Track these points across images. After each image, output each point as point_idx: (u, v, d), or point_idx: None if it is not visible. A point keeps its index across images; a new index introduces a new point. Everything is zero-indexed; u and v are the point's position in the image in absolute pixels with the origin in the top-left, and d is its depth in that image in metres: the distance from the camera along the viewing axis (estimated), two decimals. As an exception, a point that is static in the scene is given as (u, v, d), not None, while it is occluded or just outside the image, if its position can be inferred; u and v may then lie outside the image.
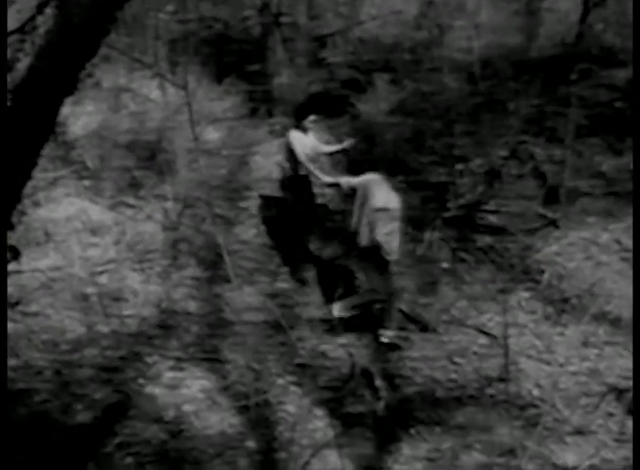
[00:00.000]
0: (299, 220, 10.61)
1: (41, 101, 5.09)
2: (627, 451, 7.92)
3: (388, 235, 9.39)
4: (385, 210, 9.42)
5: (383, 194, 9.50)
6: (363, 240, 9.49)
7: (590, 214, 10.36)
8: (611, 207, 10.31)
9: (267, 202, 11.07)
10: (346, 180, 9.82)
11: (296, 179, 10.46)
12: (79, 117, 11.67)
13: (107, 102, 12.06)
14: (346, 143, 10.79)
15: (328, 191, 10.83)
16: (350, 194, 9.80)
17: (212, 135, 11.82)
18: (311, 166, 10.21)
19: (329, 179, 10.14)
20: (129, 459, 8.15)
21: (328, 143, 11.11)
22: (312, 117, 10.49)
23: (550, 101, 11.28)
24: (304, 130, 10.44)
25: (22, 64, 5.29)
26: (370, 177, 9.68)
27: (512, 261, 10.15)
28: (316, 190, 10.75)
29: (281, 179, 10.86)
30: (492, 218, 10.66)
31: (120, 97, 12.18)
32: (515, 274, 9.95)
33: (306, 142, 10.41)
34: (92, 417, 8.62)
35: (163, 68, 12.43)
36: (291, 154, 10.35)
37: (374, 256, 9.44)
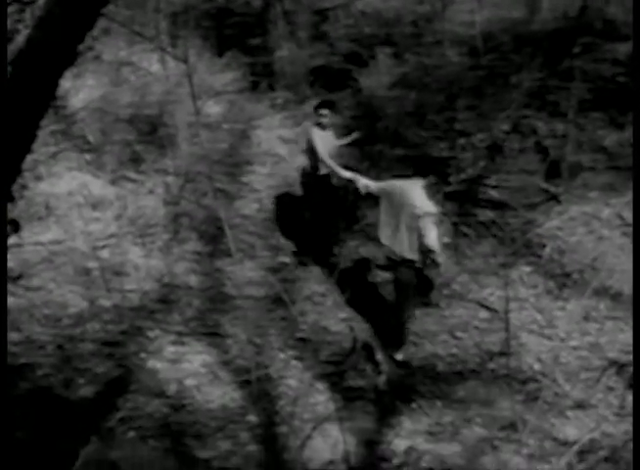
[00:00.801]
0: (324, 221, 10.44)
1: (40, 72, 5.05)
2: (628, 425, 7.94)
3: (437, 240, 8.87)
4: (430, 214, 8.83)
5: (421, 198, 8.87)
6: (406, 250, 8.86)
7: (592, 189, 10.33)
8: (613, 181, 10.28)
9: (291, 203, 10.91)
10: (365, 183, 9.41)
11: (317, 179, 10.26)
12: (80, 90, 11.64)
13: (107, 75, 12.02)
14: (354, 135, 10.68)
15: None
16: (364, 196, 9.63)
17: (213, 109, 11.80)
18: (332, 163, 9.95)
19: (348, 174, 9.80)
20: (131, 433, 8.18)
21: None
22: (324, 112, 10.15)
23: (552, 75, 11.22)
24: (323, 127, 10.14)
25: (22, 35, 5.25)
26: (397, 183, 9.20)
27: (513, 236, 10.14)
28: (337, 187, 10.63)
29: (302, 180, 10.73)
30: (494, 193, 10.63)
31: (121, 70, 12.13)
32: (516, 249, 9.94)
33: (327, 139, 10.17)
34: (94, 391, 8.65)
35: (164, 41, 12.38)
36: (312, 152, 10.10)
37: (412, 268, 8.97)
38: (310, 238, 10.41)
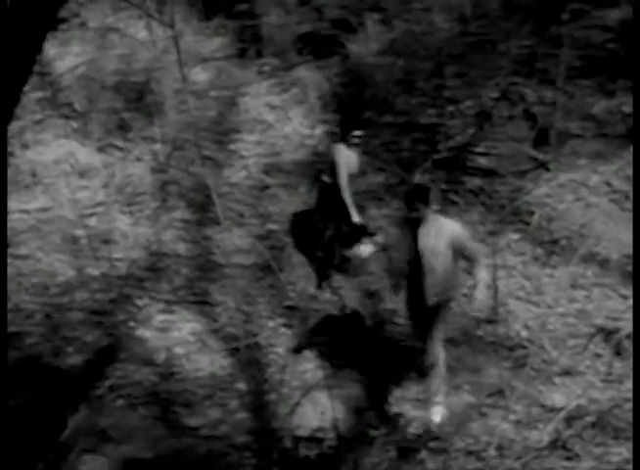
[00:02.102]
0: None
1: (23, 35, 4.99)
2: (614, 392, 7.99)
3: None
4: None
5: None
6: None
7: (580, 156, 10.33)
8: (601, 149, 10.28)
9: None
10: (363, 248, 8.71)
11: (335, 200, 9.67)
12: (66, 57, 11.55)
13: (93, 42, 11.93)
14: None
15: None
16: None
17: (201, 76, 11.72)
18: (349, 200, 9.46)
19: (356, 220, 9.48)
20: (120, 401, 8.19)
21: None
22: (358, 132, 9.51)
23: (541, 42, 11.19)
24: (351, 145, 9.53)
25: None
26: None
27: (501, 203, 10.14)
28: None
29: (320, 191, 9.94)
30: (482, 160, 10.63)
31: (107, 37, 12.04)
32: (504, 216, 9.94)
33: (352, 160, 9.59)
34: (83, 360, 8.65)
35: (150, 7, 12.26)
36: (333, 172, 9.57)
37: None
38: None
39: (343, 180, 9.45)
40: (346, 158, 9.51)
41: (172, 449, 7.70)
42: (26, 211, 10.08)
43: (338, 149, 9.54)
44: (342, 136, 9.56)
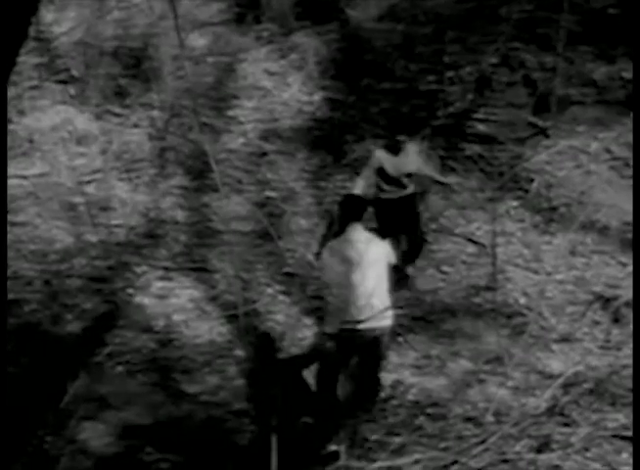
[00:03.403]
0: None
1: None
2: (612, 359, 8.01)
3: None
4: None
5: None
6: None
7: (580, 123, 10.30)
8: (601, 115, 10.24)
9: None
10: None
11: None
12: (63, 23, 11.48)
13: (90, 8, 11.84)
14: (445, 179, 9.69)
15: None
16: None
17: (198, 42, 11.64)
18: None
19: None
20: (119, 368, 8.22)
21: None
22: (402, 137, 8.88)
23: (542, 7, 11.11)
24: (396, 151, 8.84)
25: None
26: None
27: (501, 170, 10.12)
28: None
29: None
30: (482, 127, 10.60)
31: (104, 3, 11.95)
32: (503, 183, 9.92)
33: (398, 164, 8.89)
34: (82, 327, 8.67)
35: (148, -28, 12.19)
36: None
37: None
38: None
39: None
40: (392, 166, 8.81)
41: (171, 416, 7.73)
42: (24, 178, 10.06)
43: (380, 157, 8.85)
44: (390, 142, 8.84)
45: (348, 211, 7.30)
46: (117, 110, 10.86)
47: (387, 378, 8.03)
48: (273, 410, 7.11)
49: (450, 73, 11.08)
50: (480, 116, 10.64)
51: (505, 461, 6.86)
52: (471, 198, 9.98)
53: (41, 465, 7.33)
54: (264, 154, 10.64)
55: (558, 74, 10.55)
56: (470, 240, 9.58)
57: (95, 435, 7.63)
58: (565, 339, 8.32)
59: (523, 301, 8.81)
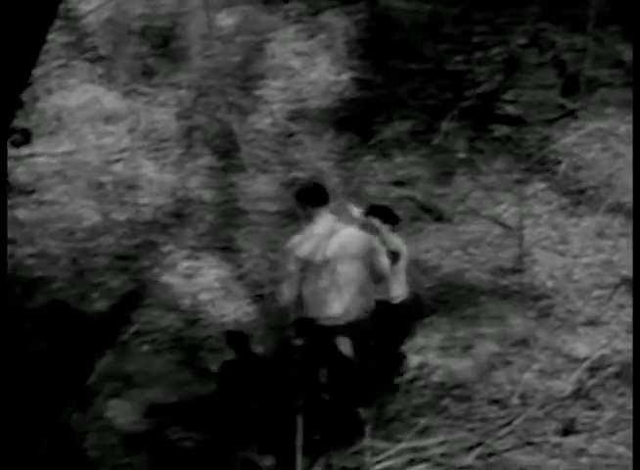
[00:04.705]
0: None
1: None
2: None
3: None
4: None
5: None
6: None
7: (609, 105, 10.22)
8: (630, 97, 10.15)
9: None
10: None
11: None
12: (91, 2, 11.48)
13: (119, -14, 11.86)
14: None
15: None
16: None
17: (226, 21, 11.61)
18: None
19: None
20: (146, 347, 8.26)
21: None
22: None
23: (572, -14, 11.04)
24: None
25: None
26: None
27: (529, 152, 10.08)
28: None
29: None
30: (510, 108, 10.54)
31: (133, -19, 11.96)
32: (531, 165, 9.89)
33: None
34: (109, 305, 8.72)
35: (176, -50, 12.17)
36: None
37: None
38: None
39: None
40: None
41: (196, 395, 7.77)
42: (52, 156, 10.10)
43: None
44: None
45: (312, 202, 6.87)
46: (145, 89, 10.87)
47: (412, 359, 8.04)
48: (298, 389, 7.12)
49: (479, 54, 11.01)
50: (508, 97, 10.58)
51: (530, 444, 6.84)
52: (498, 179, 9.94)
53: (68, 442, 7.39)
54: (291, 134, 10.63)
55: (587, 55, 10.47)
56: (497, 222, 9.54)
57: (121, 412, 7.68)
58: (591, 322, 8.28)
59: (549, 283, 8.77)
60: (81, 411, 7.57)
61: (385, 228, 7.55)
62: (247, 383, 7.73)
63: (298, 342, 7.02)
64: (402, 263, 7.65)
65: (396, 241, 7.59)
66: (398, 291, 7.64)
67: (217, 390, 7.77)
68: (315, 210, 6.81)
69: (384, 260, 6.93)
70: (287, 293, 6.76)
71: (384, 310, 7.21)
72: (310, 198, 6.87)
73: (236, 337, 8.40)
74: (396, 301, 7.63)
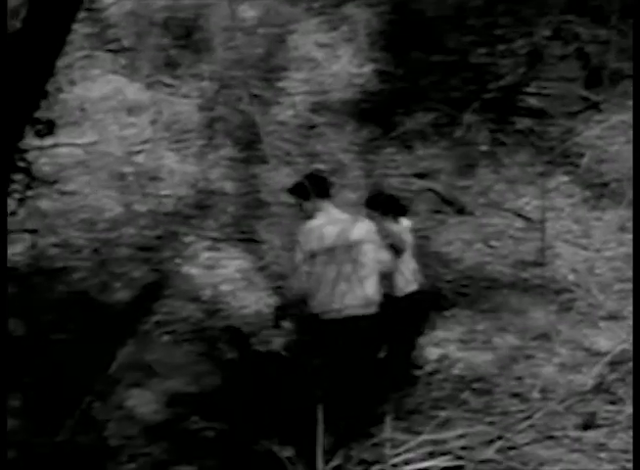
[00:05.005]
0: None
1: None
2: (661, 338, 7.95)
3: None
4: None
5: None
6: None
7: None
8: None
9: None
10: None
11: None
12: (114, -7, 11.53)
13: (141, -23, 11.88)
14: None
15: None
16: None
17: (249, 13, 11.61)
18: None
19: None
20: (166, 337, 8.29)
21: None
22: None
23: (596, -22, 10.98)
24: None
25: None
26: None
27: (551, 145, 10.04)
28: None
29: None
30: (533, 100, 10.50)
31: (155, -27, 11.97)
32: (554, 157, 9.85)
33: None
34: (130, 296, 8.75)
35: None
36: None
37: None
38: None
39: None
40: None
41: (217, 385, 7.79)
42: (74, 147, 10.13)
43: None
44: None
45: (312, 192, 6.86)
46: (168, 80, 10.88)
47: (432, 352, 8.04)
48: (319, 381, 7.13)
49: (502, 46, 10.97)
50: (531, 89, 10.55)
51: (550, 438, 6.83)
52: (521, 172, 9.91)
53: (88, 430, 7.44)
54: (313, 126, 10.63)
55: (611, 48, 10.42)
56: (519, 215, 9.52)
57: (142, 402, 7.72)
58: (612, 316, 8.26)
59: (571, 277, 8.75)
60: (102, 400, 7.61)
61: (387, 219, 7.53)
62: (267, 374, 7.75)
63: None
64: (407, 256, 7.61)
65: (400, 232, 7.55)
66: (403, 284, 7.55)
67: (237, 380, 7.79)
68: (317, 202, 6.84)
69: (382, 255, 6.96)
70: (296, 286, 6.81)
71: (389, 304, 7.20)
72: (310, 190, 6.85)
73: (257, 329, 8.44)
74: (401, 294, 7.56)
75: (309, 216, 6.90)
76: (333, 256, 6.66)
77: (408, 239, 7.59)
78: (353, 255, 6.71)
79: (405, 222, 7.72)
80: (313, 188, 6.90)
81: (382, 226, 7.29)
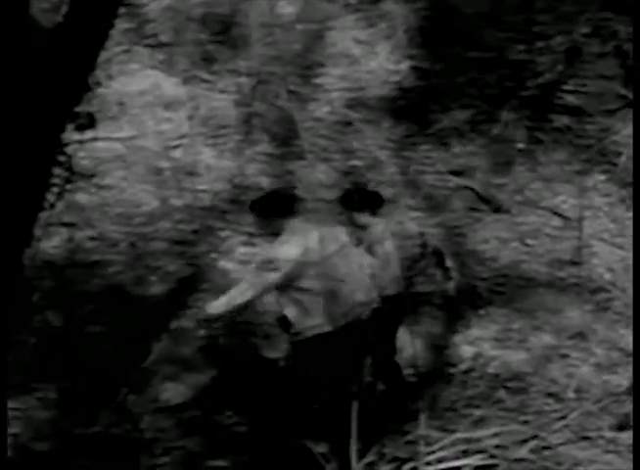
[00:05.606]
0: None
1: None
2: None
3: None
4: None
5: None
6: None
7: (672, 96, 10.10)
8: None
9: None
10: None
11: None
12: (152, -12, 11.58)
13: (179, -27, 11.92)
14: None
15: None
16: None
17: (287, 9, 11.60)
18: None
19: None
20: (202, 332, 8.32)
21: None
22: None
23: (636, -24, 10.88)
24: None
25: None
26: None
27: (589, 143, 9.98)
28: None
29: None
30: (571, 98, 10.43)
31: (194, -32, 12.01)
32: (591, 156, 9.80)
33: None
34: (165, 290, 8.80)
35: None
36: None
37: None
38: None
39: None
40: None
41: (250, 380, 7.82)
42: (112, 141, 10.19)
43: None
44: None
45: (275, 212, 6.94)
46: (205, 75, 10.91)
47: (467, 350, 8.03)
48: (354, 377, 7.15)
49: (540, 43, 10.90)
50: (569, 87, 10.48)
51: (585, 438, 6.82)
52: (558, 170, 9.86)
53: (123, 423, 7.50)
54: (350, 122, 10.62)
55: (651, 46, 10.34)
56: (555, 213, 9.47)
57: (176, 395, 7.78)
58: (649, 316, 8.21)
59: (607, 276, 8.70)
60: (137, 393, 7.67)
61: (363, 215, 7.48)
62: (300, 369, 7.76)
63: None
64: (390, 254, 7.53)
65: (378, 230, 7.48)
66: (386, 284, 7.44)
67: (272, 375, 7.81)
68: (280, 221, 6.93)
69: (358, 262, 7.05)
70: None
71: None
72: (272, 208, 6.96)
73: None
74: (381, 296, 7.36)
75: (276, 234, 6.96)
76: (310, 273, 6.74)
77: (388, 236, 7.49)
78: (330, 268, 6.79)
79: (381, 226, 7.57)
80: (279, 206, 7.01)
81: (356, 230, 7.28)
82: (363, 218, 7.45)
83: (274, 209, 6.95)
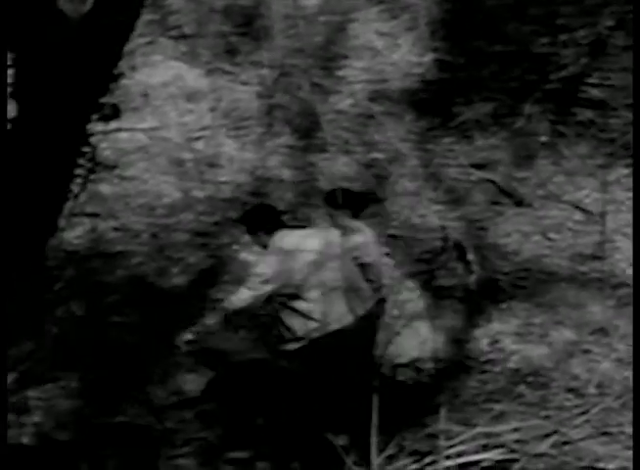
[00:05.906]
0: None
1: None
2: None
3: None
4: None
5: None
6: None
7: (697, 90, 10.03)
8: None
9: None
10: None
11: None
12: (176, -20, 11.60)
13: (203, -35, 11.93)
14: None
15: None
16: None
17: (310, 1, 11.59)
18: None
19: None
20: (222, 323, 8.32)
21: None
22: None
23: (662, -32, 10.80)
24: None
25: None
26: None
27: (613, 137, 9.92)
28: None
29: None
30: (595, 91, 10.38)
31: (217, -40, 12.02)
32: (615, 150, 9.74)
33: None
34: (187, 281, 8.83)
35: None
36: None
37: None
38: None
39: None
40: None
41: (270, 372, 7.83)
42: (135, 132, 10.22)
43: None
44: None
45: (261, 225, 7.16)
46: (227, 67, 10.92)
47: (487, 344, 8.02)
48: (375, 370, 7.16)
49: (564, 36, 10.85)
50: (593, 80, 10.42)
51: (606, 434, 6.80)
52: (581, 164, 9.81)
53: (145, 414, 7.54)
54: (372, 115, 10.61)
55: (676, 39, 10.27)
56: (578, 207, 9.43)
57: (198, 386, 7.82)
58: (672, 312, 8.17)
59: (630, 271, 8.66)
60: (159, 384, 7.71)
61: (346, 214, 7.45)
62: (322, 362, 7.77)
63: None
64: (372, 267, 7.38)
65: (362, 242, 7.37)
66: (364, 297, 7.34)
67: (292, 368, 7.83)
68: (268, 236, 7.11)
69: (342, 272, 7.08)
70: None
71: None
72: (261, 222, 7.18)
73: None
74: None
75: (264, 246, 7.17)
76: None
77: (371, 246, 7.44)
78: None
79: (369, 233, 7.51)
80: (264, 219, 7.22)
81: (342, 237, 7.26)
82: (346, 221, 7.39)
83: (261, 223, 7.20)
